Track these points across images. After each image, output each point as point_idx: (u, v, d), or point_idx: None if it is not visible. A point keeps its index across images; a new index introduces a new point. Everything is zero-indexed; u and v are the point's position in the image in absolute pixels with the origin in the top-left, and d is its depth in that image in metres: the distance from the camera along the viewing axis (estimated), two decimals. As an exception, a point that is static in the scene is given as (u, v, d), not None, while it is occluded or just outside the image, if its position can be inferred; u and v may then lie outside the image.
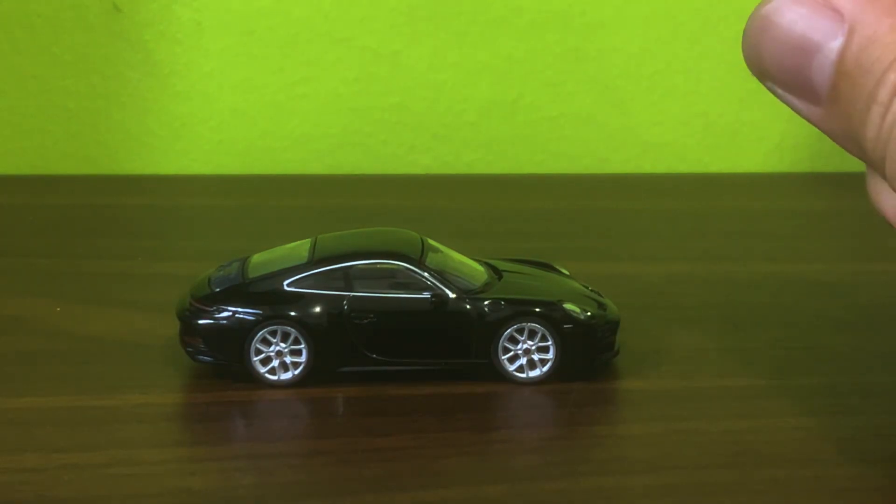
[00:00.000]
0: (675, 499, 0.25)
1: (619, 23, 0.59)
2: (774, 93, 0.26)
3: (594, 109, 0.59)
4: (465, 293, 0.31)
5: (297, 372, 0.30)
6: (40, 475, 0.25)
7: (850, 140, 0.24)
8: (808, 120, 0.25)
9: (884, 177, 0.24)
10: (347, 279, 0.30)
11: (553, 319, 0.30)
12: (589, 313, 0.31)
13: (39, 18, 0.56)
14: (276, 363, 0.30)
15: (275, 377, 0.30)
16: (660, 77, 0.59)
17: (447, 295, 0.30)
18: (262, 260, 0.32)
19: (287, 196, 0.54)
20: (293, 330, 0.30)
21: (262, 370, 0.30)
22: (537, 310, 0.30)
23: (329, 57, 0.59)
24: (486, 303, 0.30)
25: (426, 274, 0.31)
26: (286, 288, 0.30)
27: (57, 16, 0.56)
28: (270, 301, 0.30)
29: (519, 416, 0.30)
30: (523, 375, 0.30)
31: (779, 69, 0.25)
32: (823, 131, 0.25)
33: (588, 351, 0.31)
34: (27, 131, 0.57)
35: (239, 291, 0.31)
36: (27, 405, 0.29)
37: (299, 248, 0.32)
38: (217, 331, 0.30)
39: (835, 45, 0.24)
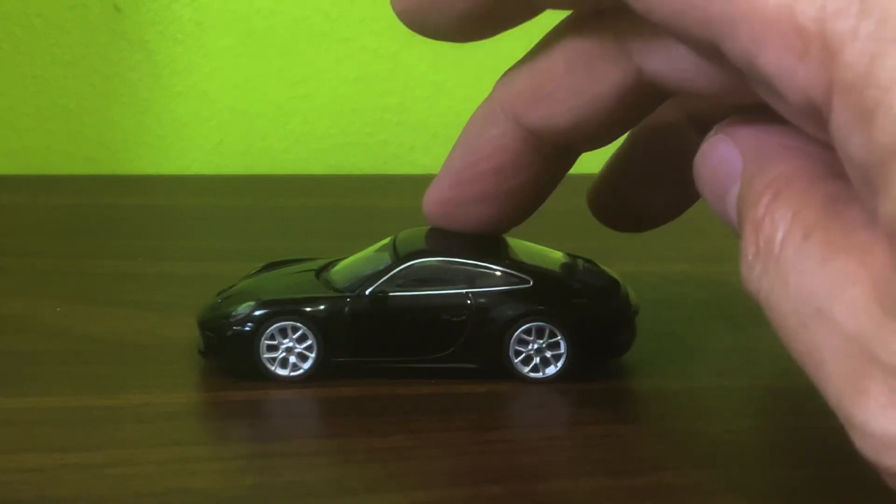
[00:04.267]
0: (674, 499, 0.25)
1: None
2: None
3: (594, 109, 0.59)
4: None
5: None
6: (40, 475, 0.25)
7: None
8: None
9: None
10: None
11: None
12: None
13: (39, 18, 0.56)
14: None
15: None
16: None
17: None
18: None
19: (287, 196, 0.54)
20: None
21: None
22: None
23: (329, 57, 0.59)
24: None
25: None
26: None
27: (57, 16, 0.57)
28: None
29: (519, 416, 0.30)
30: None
31: (713, 203, 0.26)
32: None
33: None
34: (27, 131, 0.58)
35: None
36: (27, 405, 0.29)
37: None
38: None
39: (736, 188, 0.24)
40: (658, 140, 0.32)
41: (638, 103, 0.28)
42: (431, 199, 0.31)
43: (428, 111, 0.59)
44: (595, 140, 0.29)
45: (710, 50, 0.23)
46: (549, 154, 0.29)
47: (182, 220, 0.50)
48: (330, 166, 0.60)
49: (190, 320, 0.33)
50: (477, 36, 0.29)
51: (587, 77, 0.27)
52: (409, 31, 0.28)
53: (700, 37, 0.22)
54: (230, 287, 0.32)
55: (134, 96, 0.58)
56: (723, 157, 0.25)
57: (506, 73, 0.29)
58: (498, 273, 0.31)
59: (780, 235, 0.22)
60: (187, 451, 0.26)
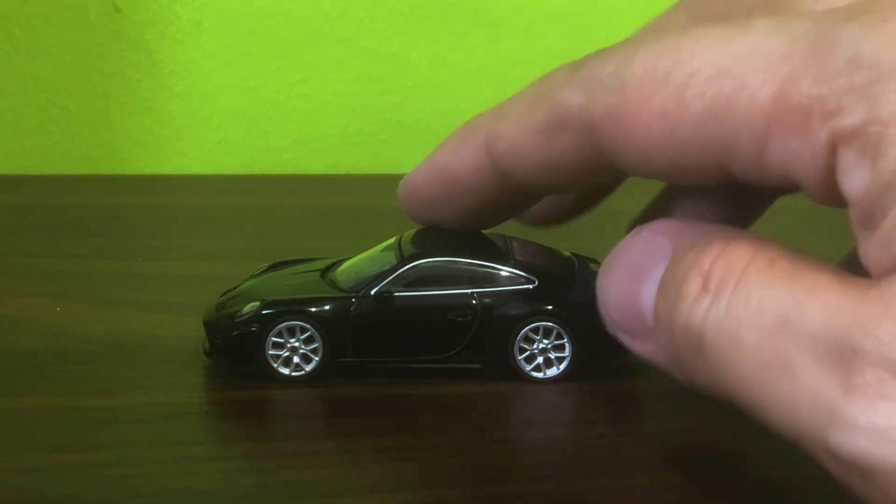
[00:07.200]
0: (675, 499, 0.25)
1: (620, 22, 0.59)
2: (624, 343, 0.26)
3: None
4: None
5: None
6: (40, 475, 0.25)
7: (671, 358, 0.24)
8: (649, 360, 0.25)
9: (702, 381, 0.23)
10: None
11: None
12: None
13: (39, 18, 0.56)
14: None
15: None
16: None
17: None
18: None
19: (287, 196, 0.54)
20: None
21: None
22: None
23: (329, 57, 0.59)
24: None
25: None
26: None
27: (57, 16, 0.57)
28: None
29: (519, 415, 0.30)
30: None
31: (619, 310, 0.26)
32: (661, 366, 0.25)
33: None
34: (27, 131, 0.58)
35: None
36: (27, 405, 0.29)
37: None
38: None
39: (661, 270, 0.24)
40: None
41: (599, 176, 0.27)
42: (407, 185, 0.31)
43: (428, 111, 0.59)
44: (553, 191, 0.29)
45: (717, 174, 0.23)
46: (511, 185, 0.29)
47: (182, 220, 0.50)
48: (330, 166, 0.60)
49: (190, 320, 0.33)
50: (482, 225, 0.31)
51: (550, 150, 0.26)
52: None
53: (706, 167, 0.23)
54: (235, 287, 0.32)
55: (133, 96, 0.58)
56: (647, 245, 0.25)
57: (495, 108, 0.28)
58: (503, 273, 0.31)
59: (740, 266, 0.22)
60: (187, 451, 0.26)
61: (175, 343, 0.33)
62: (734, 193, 0.32)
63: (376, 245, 0.33)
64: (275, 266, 0.34)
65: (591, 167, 0.26)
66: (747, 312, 0.21)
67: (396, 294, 0.30)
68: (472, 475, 0.26)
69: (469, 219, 0.31)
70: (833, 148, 0.20)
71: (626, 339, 0.26)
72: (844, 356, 0.19)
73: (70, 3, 0.56)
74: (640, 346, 0.26)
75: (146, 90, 0.58)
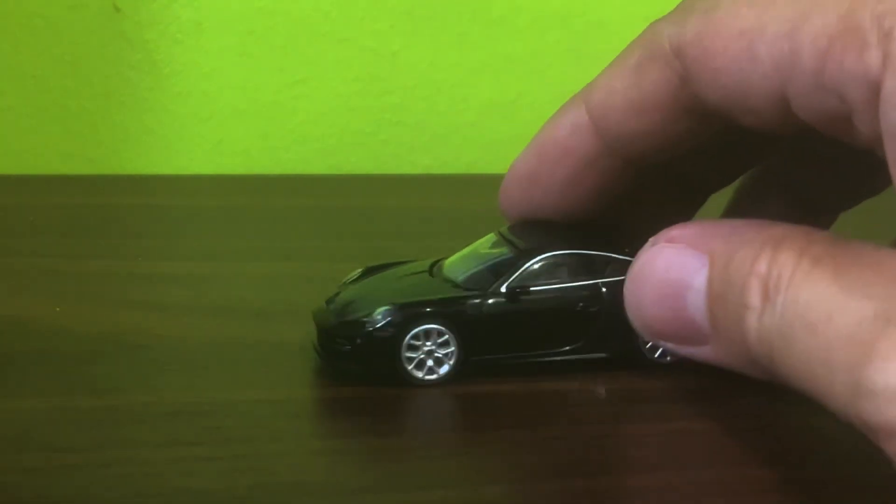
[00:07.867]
0: (674, 499, 0.25)
1: (620, 22, 0.59)
2: (669, 349, 0.27)
3: (594, 109, 0.59)
4: None
5: None
6: (40, 475, 0.25)
7: (744, 361, 0.24)
8: (708, 362, 0.26)
9: (780, 379, 0.23)
10: None
11: None
12: None
13: (39, 18, 0.56)
14: None
15: None
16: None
17: None
18: None
19: (287, 196, 0.54)
20: None
21: None
22: None
23: (329, 57, 0.59)
24: None
25: None
26: None
27: (57, 16, 0.57)
28: None
29: (518, 416, 0.30)
30: None
31: (662, 321, 0.26)
32: (723, 366, 0.25)
33: None
34: (27, 131, 0.58)
35: None
36: (27, 405, 0.29)
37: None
38: None
39: (702, 277, 0.24)
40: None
41: (686, 124, 0.28)
42: (513, 175, 0.32)
43: (428, 111, 0.59)
44: (650, 153, 0.30)
45: (777, 105, 0.23)
46: (606, 145, 0.30)
47: (182, 220, 0.50)
48: (330, 166, 0.60)
49: (190, 320, 0.33)
50: (577, 208, 0.31)
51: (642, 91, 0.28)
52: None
53: (768, 94, 0.23)
54: (337, 294, 0.32)
55: (134, 96, 0.58)
56: (675, 255, 0.25)
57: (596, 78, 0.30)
58: (622, 260, 0.30)
59: (789, 270, 0.22)
60: (187, 451, 0.26)
61: (175, 343, 0.33)
62: (802, 207, 0.32)
63: (475, 241, 0.33)
64: (370, 271, 0.33)
65: (677, 104, 0.27)
66: (796, 314, 0.22)
67: (531, 288, 0.30)
68: (473, 475, 0.26)
69: (564, 199, 0.31)
70: (884, 68, 0.21)
71: (671, 347, 0.27)
72: (878, 326, 0.20)
73: (70, 3, 0.56)
74: (692, 351, 0.26)
75: (146, 90, 0.58)
